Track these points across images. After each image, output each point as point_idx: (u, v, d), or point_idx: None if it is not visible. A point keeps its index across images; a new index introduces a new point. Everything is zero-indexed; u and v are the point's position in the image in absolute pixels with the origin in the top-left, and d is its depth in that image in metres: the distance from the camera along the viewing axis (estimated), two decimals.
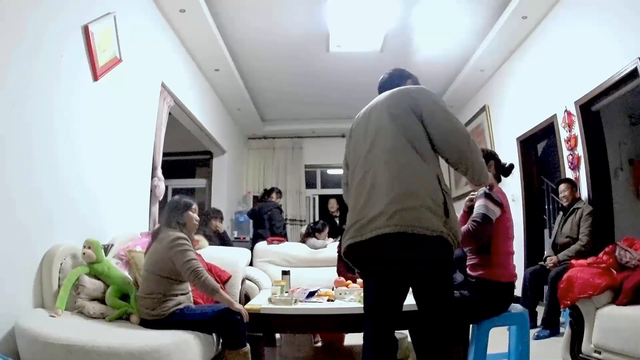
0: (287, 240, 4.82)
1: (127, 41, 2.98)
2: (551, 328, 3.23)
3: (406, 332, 2.53)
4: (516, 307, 2.22)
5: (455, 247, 1.53)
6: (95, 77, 2.62)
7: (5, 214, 1.90)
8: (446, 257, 1.53)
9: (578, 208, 3.47)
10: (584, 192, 3.58)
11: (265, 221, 5.42)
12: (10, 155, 1.95)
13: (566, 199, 3.59)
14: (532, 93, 4.37)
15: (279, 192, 5.84)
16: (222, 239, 4.62)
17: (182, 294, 2.21)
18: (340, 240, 3.65)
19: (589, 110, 3.55)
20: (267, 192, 5.84)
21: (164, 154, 3.82)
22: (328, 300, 2.57)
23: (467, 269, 2.20)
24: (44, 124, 2.20)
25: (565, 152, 3.80)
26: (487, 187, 2.10)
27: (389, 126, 1.63)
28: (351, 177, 1.75)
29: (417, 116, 1.60)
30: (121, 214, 3.01)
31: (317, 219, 7.49)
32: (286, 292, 2.61)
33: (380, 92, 1.86)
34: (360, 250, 1.60)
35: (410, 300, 2.52)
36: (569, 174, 3.76)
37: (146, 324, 2.09)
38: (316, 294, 2.63)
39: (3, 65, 1.92)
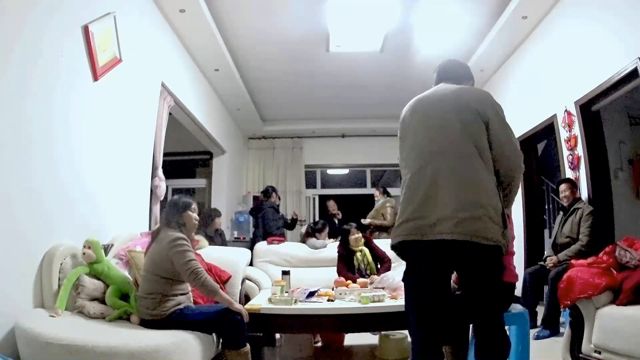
0: (286, 240, 4.82)
1: (127, 41, 2.98)
2: (551, 328, 3.23)
3: (406, 332, 2.53)
4: (516, 307, 2.22)
5: (504, 255, 1.62)
6: (95, 77, 2.62)
7: (5, 214, 1.90)
8: (500, 265, 1.62)
9: (578, 208, 3.47)
10: (584, 192, 3.58)
11: (259, 221, 5.44)
12: (10, 155, 1.95)
13: (567, 199, 3.59)
14: (532, 93, 4.37)
15: (275, 191, 5.83)
16: (222, 237, 4.64)
17: (182, 294, 2.21)
18: (340, 240, 3.66)
19: (589, 110, 3.55)
20: (263, 193, 5.85)
21: (164, 154, 3.82)
22: (328, 300, 2.57)
23: None
24: (44, 124, 2.19)
25: (565, 152, 3.80)
26: None
27: (458, 129, 1.64)
28: (408, 159, 1.73)
29: (484, 123, 1.65)
30: (121, 214, 3.01)
31: (317, 219, 7.49)
32: (286, 292, 2.61)
33: (441, 75, 1.90)
34: (417, 249, 1.60)
35: None
36: (569, 174, 3.76)
37: (146, 324, 2.09)
38: (316, 294, 2.63)
39: (3, 65, 1.92)
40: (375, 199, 5.76)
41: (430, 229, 1.54)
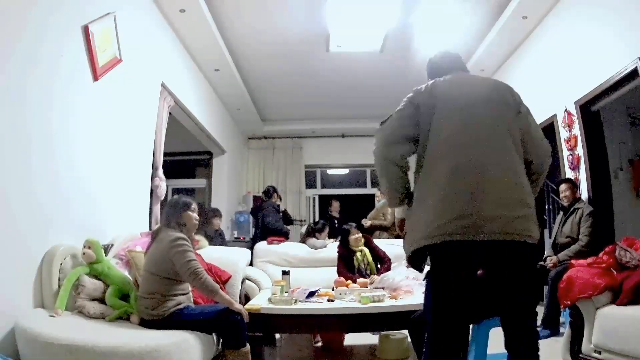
0: (286, 240, 4.82)
1: (127, 41, 2.98)
2: (551, 328, 3.23)
3: (405, 332, 2.53)
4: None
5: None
6: (95, 77, 2.62)
7: (5, 214, 1.90)
8: (536, 263, 1.66)
9: (578, 208, 3.47)
10: (584, 192, 3.58)
11: (259, 221, 5.45)
12: (10, 155, 1.95)
13: (567, 199, 3.59)
14: (532, 93, 4.34)
15: (275, 191, 5.83)
16: (221, 237, 4.64)
17: (182, 294, 2.21)
18: (340, 240, 3.65)
19: (589, 110, 3.55)
20: (265, 193, 5.86)
21: (164, 154, 3.82)
22: (328, 300, 2.57)
23: None
24: (44, 124, 2.19)
25: (565, 152, 3.80)
26: None
27: (496, 122, 1.57)
28: (436, 149, 1.56)
29: (519, 119, 1.62)
30: (121, 214, 3.01)
31: (317, 219, 7.48)
32: (286, 292, 2.61)
33: (450, 65, 1.76)
34: (461, 250, 1.47)
35: (410, 301, 2.52)
36: (569, 174, 3.76)
37: (146, 324, 2.09)
38: (316, 294, 2.63)
39: (3, 65, 1.92)
40: (377, 199, 5.76)
41: (478, 229, 1.43)
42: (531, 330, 1.57)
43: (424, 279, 1.66)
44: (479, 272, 1.66)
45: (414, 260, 1.63)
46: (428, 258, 1.60)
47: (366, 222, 5.08)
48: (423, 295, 1.69)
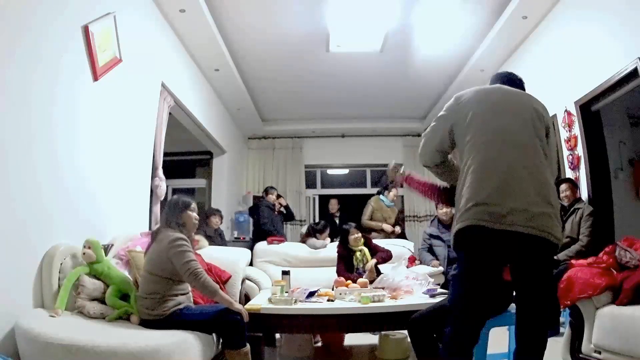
0: (286, 240, 4.82)
1: (127, 41, 2.98)
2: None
3: (405, 332, 2.53)
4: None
5: None
6: (95, 77, 2.62)
7: (5, 213, 1.90)
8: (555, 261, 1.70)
9: (579, 208, 3.47)
10: (584, 192, 3.58)
11: (254, 221, 5.46)
12: (10, 155, 1.95)
13: (567, 199, 3.59)
14: (532, 93, 4.33)
15: (271, 188, 5.84)
16: (221, 237, 4.64)
17: (182, 294, 2.21)
18: (340, 239, 3.66)
19: (589, 110, 3.55)
20: (264, 192, 5.87)
21: (164, 154, 3.82)
22: (328, 300, 2.57)
23: None
24: (45, 124, 2.19)
25: (565, 152, 3.80)
26: None
27: (529, 126, 1.71)
28: (474, 144, 1.70)
29: (545, 130, 1.76)
30: (121, 214, 3.01)
31: (317, 219, 7.49)
32: (286, 292, 2.61)
33: (503, 79, 1.99)
34: (485, 237, 1.58)
35: (410, 301, 2.52)
36: (569, 174, 3.76)
37: (146, 324, 2.09)
38: (316, 294, 2.63)
39: (4, 65, 1.92)
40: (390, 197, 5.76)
41: (502, 218, 1.53)
42: (541, 333, 1.64)
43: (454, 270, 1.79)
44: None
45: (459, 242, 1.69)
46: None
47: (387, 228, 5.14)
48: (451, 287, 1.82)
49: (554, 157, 1.82)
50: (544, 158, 1.68)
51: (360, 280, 3.02)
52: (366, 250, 3.52)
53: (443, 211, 3.71)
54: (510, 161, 1.62)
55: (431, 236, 3.91)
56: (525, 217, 1.53)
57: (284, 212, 5.87)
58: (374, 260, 3.35)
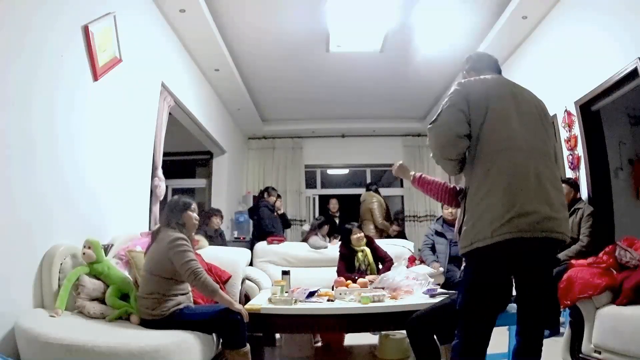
0: (286, 240, 4.82)
1: (127, 41, 2.98)
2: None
3: (404, 332, 2.53)
4: (515, 307, 2.21)
5: None
6: (95, 77, 2.62)
7: (6, 213, 1.90)
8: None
9: (579, 208, 3.47)
10: (584, 192, 3.58)
11: (254, 221, 5.46)
12: (11, 155, 1.95)
13: (567, 199, 3.59)
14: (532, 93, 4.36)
15: (270, 189, 5.84)
16: (221, 237, 4.64)
17: (182, 294, 2.21)
18: (342, 239, 3.65)
19: (589, 110, 3.55)
20: (262, 193, 5.87)
21: (164, 154, 3.82)
22: (328, 300, 2.57)
23: None
24: (45, 124, 2.19)
25: (565, 152, 3.80)
26: None
27: (545, 130, 1.73)
28: (494, 147, 1.62)
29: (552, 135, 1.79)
30: (121, 214, 3.01)
31: None
32: (286, 292, 2.61)
33: (491, 66, 1.88)
34: (522, 246, 1.55)
35: (410, 301, 2.52)
36: (569, 174, 3.76)
37: (146, 324, 2.09)
38: (316, 294, 2.62)
39: (4, 65, 1.92)
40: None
41: (539, 226, 1.53)
42: (542, 332, 1.69)
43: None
44: None
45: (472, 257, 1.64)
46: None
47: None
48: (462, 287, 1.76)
49: (559, 157, 1.88)
50: (554, 160, 1.72)
51: (360, 280, 3.02)
52: (368, 251, 3.51)
53: (448, 211, 3.71)
54: (538, 168, 1.60)
55: (436, 232, 3.92)
56: (555, 224, 1.56)
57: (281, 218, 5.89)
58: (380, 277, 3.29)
